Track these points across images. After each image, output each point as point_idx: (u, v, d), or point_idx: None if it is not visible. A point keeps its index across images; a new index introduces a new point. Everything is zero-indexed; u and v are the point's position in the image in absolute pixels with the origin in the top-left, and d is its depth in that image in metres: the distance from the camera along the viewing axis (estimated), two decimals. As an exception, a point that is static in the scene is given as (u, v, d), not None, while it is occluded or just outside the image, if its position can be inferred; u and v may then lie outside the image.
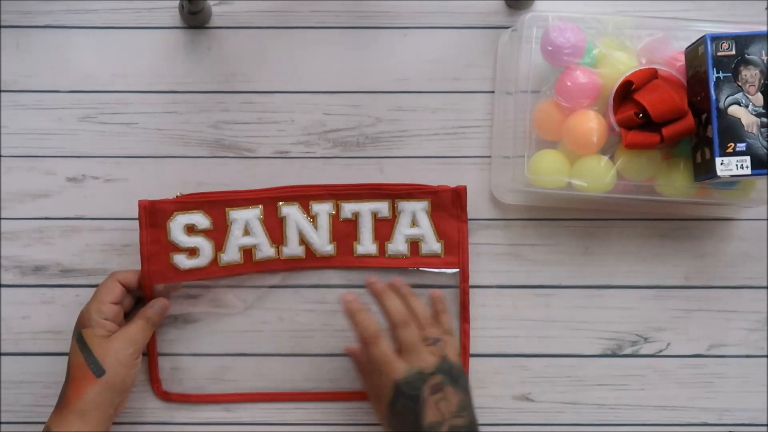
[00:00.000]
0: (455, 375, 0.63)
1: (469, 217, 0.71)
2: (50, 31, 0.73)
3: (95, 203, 0.72)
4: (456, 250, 0.71)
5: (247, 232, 0.69)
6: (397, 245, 0.70)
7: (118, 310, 0.66)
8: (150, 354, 0.70)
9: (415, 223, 0.70)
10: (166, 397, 0.71)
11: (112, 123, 0.72)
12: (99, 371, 0.63)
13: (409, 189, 0.70)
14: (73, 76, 0.73)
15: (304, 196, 0.70)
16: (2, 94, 0.72)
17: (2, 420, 0.71)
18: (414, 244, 0.71)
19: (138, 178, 0.72)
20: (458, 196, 0.70)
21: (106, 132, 0.72)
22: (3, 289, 0.72)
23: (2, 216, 0.72)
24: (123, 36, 0.73)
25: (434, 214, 0.70)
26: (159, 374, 0.71)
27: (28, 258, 0.72)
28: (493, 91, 0.73)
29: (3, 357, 0.71)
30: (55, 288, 0.72)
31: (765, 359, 0.72)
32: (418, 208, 0.70)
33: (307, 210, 0.70)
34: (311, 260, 0.70)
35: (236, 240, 0.69)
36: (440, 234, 0.70)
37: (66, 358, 0.65)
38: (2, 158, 0.72)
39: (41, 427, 0.63)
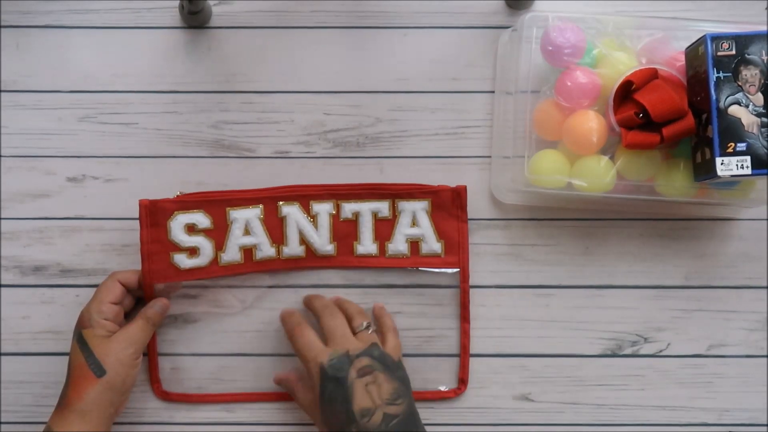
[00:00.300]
0: (389, 364, 0.63)
1: (469, 217, 0.71)
2: (50, 31, 0.73)
3: (95, 203, 0.72)
4: (456, 249, 0.71)
5: (247, 231, 0.69)
6: (398, 245, 0.70)
7: (118, 310, 0.66)
8: (150, 354, 0.70)
9: (416, 223, 0.70)
10: (167, 397, 0.71)
11: (112, 123, 0.72)
12: (100, 371, 0.63)
13: (409, 189, 0.70)
14: (73, 76, 0.73)
15: (305, 195, 0.70)
16: (2, 94, 0.72)
17: (2, 420, 0.71)
18: (414, 243, 0.71)
19: (138, 178, 0.72)
20: (458, 195, 0.70)
21: (106, 132, 0.72)
22: (3, 289, 0.72)
23: (2, 216, 0.72)
24: (123, 36, 0.73)
25: (434, 214, 0.70)
26: (159, 374, 0.71)
27: (28, 258, 0.72)
28: (493, 91, 0.73)
29: (3, 357, 0.71)
30: (55, 288, 0.72)
31: (765, 359, 0.72)
32: (418, 207, 0.70)
33: (307, 210, 0.70)
34: (312, 260, 0.70)
35: (236, 240, 0.69)
36: (440, 234, 0.70)
37: (66, 358, 0.65)
38: (2, 158, 0.72)
39: (41, 427, 0.63)
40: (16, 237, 0.72)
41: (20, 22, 0.73)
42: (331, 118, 0.73)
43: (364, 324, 0.65)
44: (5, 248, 0.72)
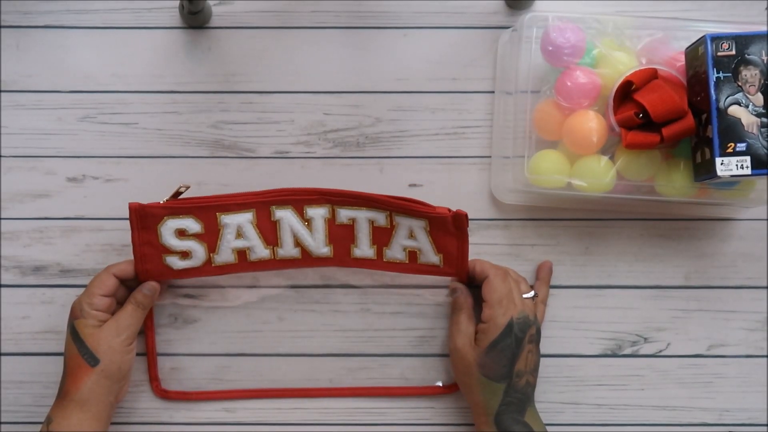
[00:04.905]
0: (539, 336, 0.67)
1: (469, 217, 0.70)
2: (50, 31, 0.73)
3: (95, 203, 0.72)
4: (455, 263, 0.68)
5: (240, 235, 0.67)
6: (395, 253, 0.68)
7: (109, 301, 0.66)
8: (149, 353, 0.70)
9: (413, 236, 0.68)
10: (165, 395, 0.70)
11: (112, 123, 0.72)
12: (93, 361, 0.63)
13: (406, 207, 0.66)
14: (72, 76, 0.73)
15: (298, 200, 0.67)
16: (2, 94, 0.72)
17: (2, 420, 0.71)
18: (412, 253, 0.68)
19: (138, 178, 0.72)
20: (459, 221, 0.66)
21: (106, 132, 0.72)
22: (3, 289, 0.72)
23: (2, 216, 0.72)
24: (123, 36, 0.73)
25: (433, 232, 0.67)
26: (158, 373, 0.70)
27: (28, 258, 0.72)
28: (493, 91, 0.73)
29: (3, 357, 0.71)
30: (55, 288, 0.72)
31: (765, 359, 0.72)
32: (416, 225, 0.67)
33: (301, 214, 0.68)
34: (307, 261, 0.69)
35: (229, 243, 0.67)
36: (439, 248, 0.68)
37: (66, 357, 0.65)
38: (2, 158, 0.72)
39: (41, 427, 0.63)
40: (16, 237, 0.72)
41: (20, 22, 0.73)
42: (331, 118, 0.73)
43: (533, 293, 0.68)
44: (5, 248, 0.72)
